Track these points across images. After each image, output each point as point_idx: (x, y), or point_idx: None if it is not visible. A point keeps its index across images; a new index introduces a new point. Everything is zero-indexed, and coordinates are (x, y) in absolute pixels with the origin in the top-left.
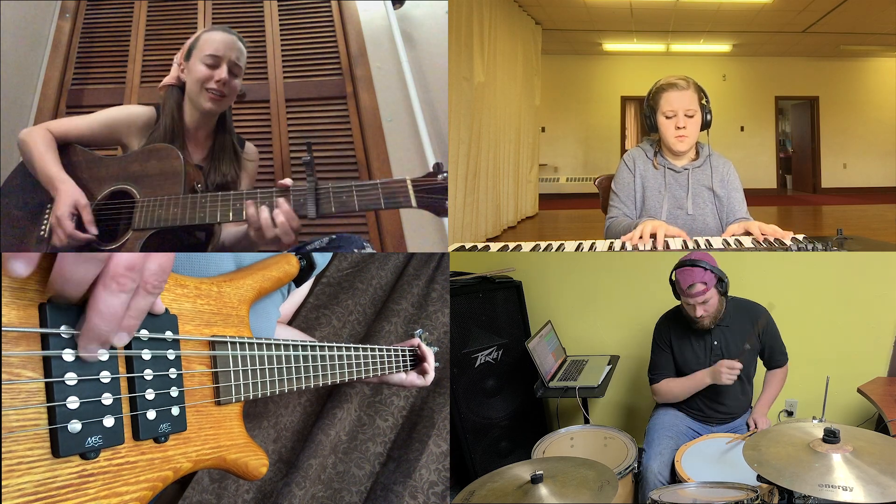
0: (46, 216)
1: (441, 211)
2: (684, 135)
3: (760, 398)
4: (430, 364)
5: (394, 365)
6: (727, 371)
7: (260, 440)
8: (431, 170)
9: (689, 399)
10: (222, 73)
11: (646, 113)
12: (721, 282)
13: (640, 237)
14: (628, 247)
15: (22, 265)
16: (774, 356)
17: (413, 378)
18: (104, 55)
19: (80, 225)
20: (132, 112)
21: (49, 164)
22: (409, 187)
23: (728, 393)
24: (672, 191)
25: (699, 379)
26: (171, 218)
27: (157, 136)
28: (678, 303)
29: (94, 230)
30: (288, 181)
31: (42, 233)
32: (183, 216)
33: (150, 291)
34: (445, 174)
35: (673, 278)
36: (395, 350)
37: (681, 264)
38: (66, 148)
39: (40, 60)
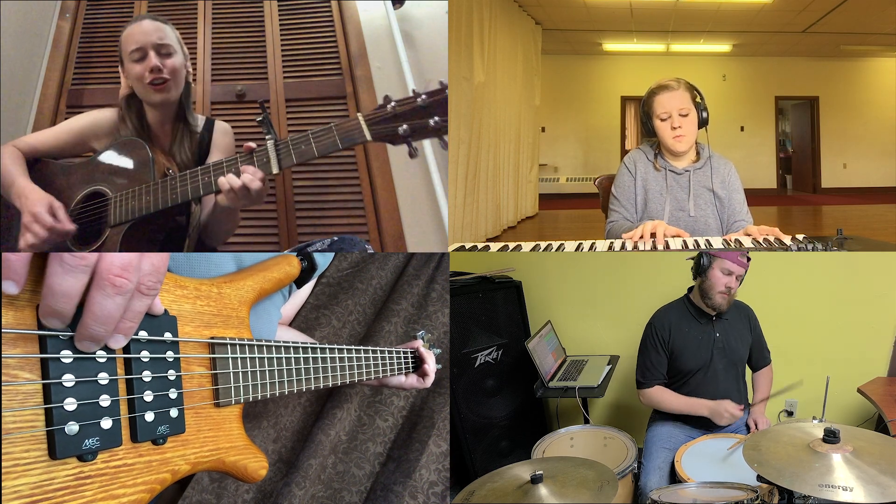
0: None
1: (396, 140)
2: (681, 134)
3: (756, 399)
4: (430, 367)
5: (395, 367)
6: (730, 417)
7: (260, 440)
8: (382, 101)
9: None
10: (151, 60)
11: (642, 119)
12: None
13: (641, 236)
14: (628, 246)
15: (12, 285)
16: (763, 355)
17: (413, 381)
18: (104, 55)
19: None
20: (97, 117)
21: (16, 177)
22: (363, 123)
23: (728, 397)
24: (673, 192)
25: (697, 406)
26: (145, 206)
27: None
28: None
29: (71, 225)
30: (252, 144)
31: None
32: (156, 201)
33: (146, 293)
34: (395, 103)
35: (705, 259)
36: (396, 352)
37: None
38: (34, 163)
39: (40, 60)
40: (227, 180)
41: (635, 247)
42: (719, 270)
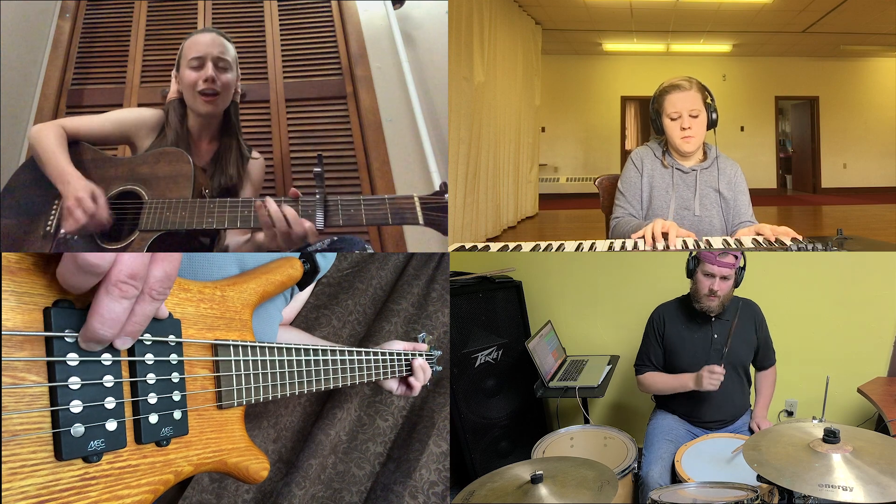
0: (54, 212)
1: (445, 229)
2: (690, 135)
3: (758, 402)
4: (417, 383)
5: (395, 370)
6: (709, 376)
7: (260, 440)
8: (438, 189)
9: (690, 406)
10: (208, 70)
11: (652, 117)
12: (741, 269)
13: (653, 237)
14: (628, 246)
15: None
16: (768, 355)
17: (402, 390)
18: (104, 55)
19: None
20: (143, 113)
21: (61, 160)
22: (417, 205)
23: (728, 397)
24: (679, 191)
25: (683, 381)
26: (179, 221)
27: (164, 144)
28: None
29: (107, 214)
30: (296, 191)
31: (49, 227)
32: (191, 220)
33: (155, 298)
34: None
35: (691, 262)
36: (398, 355)
37: None
38: (75, 145)
39: (40, 60)
40: (271, 211)
41: (635, 246)
42: (701, 273)
